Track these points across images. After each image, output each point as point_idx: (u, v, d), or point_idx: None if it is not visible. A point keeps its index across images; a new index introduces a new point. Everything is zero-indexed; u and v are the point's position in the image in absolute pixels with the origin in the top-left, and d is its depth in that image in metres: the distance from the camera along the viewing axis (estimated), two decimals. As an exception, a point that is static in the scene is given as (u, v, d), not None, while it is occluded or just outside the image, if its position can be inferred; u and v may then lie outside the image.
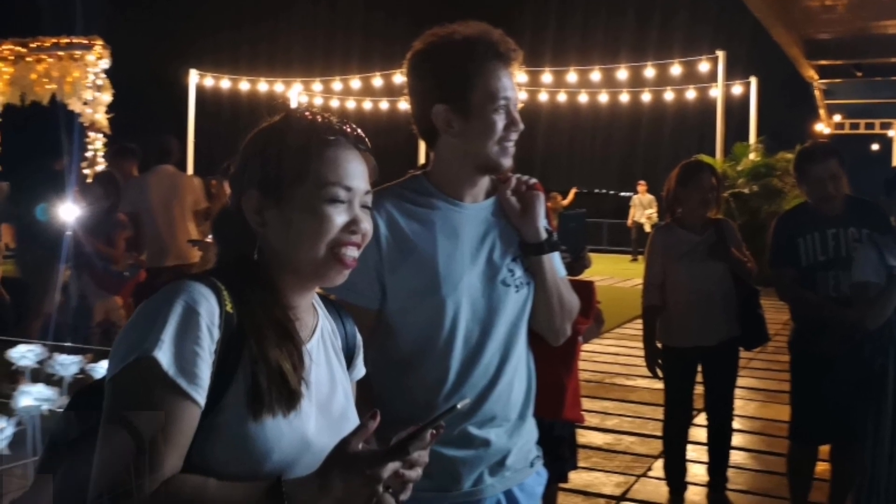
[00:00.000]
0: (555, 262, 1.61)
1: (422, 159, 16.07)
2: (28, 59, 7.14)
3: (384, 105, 17.30)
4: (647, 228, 14.00)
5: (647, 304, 3.51)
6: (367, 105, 17.62)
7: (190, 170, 14.27)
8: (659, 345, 3.49)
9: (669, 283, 3.43)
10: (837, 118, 15.04)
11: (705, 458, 3.97)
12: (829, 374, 2.86)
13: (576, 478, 3.65)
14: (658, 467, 3.91)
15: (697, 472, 3.85)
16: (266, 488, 0.92)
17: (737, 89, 14.20)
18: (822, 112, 14.30)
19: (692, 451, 3.68)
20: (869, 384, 2.68)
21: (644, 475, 3.99)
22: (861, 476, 2.68)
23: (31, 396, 1.71)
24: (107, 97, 6.87)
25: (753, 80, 14.22)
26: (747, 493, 3.70)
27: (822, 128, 14.71)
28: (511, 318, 1.55)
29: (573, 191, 14.54)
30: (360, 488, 0.92)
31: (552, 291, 1.57)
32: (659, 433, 3.88)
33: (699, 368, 3.48)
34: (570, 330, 1.65)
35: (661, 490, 3.63)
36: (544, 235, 1.55)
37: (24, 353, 1.97)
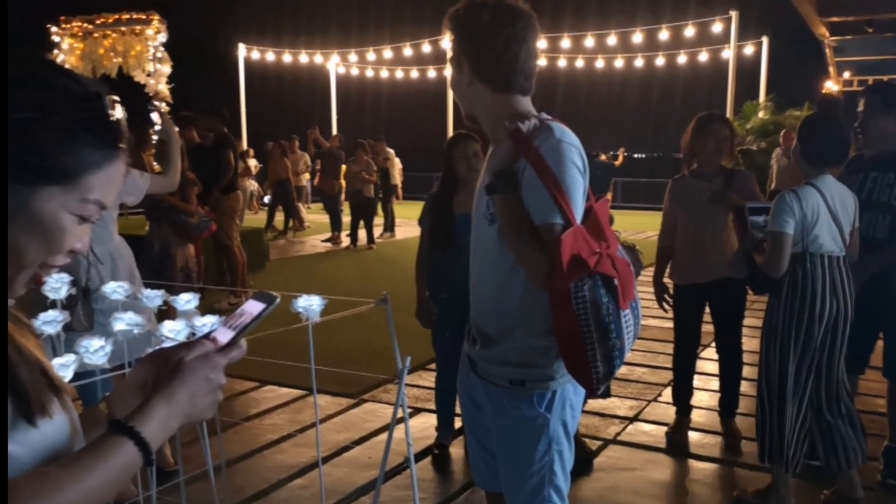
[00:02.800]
0: (510, 207, 1.55)
1: (450, 123, 16.06)
2: (95, 35, 7.26)
3: (415, 74, 17.21)
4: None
5: (659, 246, 3.60)
6: (399, 74, 17.54)
7: (243, 137, 14.45)
8: (670, 283, 3.56)
9: (678, 226, 3.49)
10: (846, 75, 14.54)
11: (709, 386, 4.07)
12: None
13: (593, 402, 3.78)
14: (667, 394, 4.01)
15: (702, 398, 3.94)
16: (110, 435, 0.77)
17: (748, 49, 13.80)
18: (831, 70, 13.84)
19: (697, 381, 3.77)
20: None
21: (654, 400, 4.11)
22: None
23: (124, 322, 1.86)
24: (166, 69, 6.98)
25: (765, 40, 13.81)
26: (748, 416, 3.78)
27: (831, 85, 14.25)
28: (486, 245, 1.67)
29: (622, 153, 14.85)
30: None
31: (504, 231, 1.58)
32: (668, 365, 3.96)
33: (707, 305, 3.55)
34: (539, 280, 1.53)
35: (669, 412, 3.73)
36: (491, 178, 1.59)
37: (115, 289, 2.12)
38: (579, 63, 15.60)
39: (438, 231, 3.23)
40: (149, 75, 6.90)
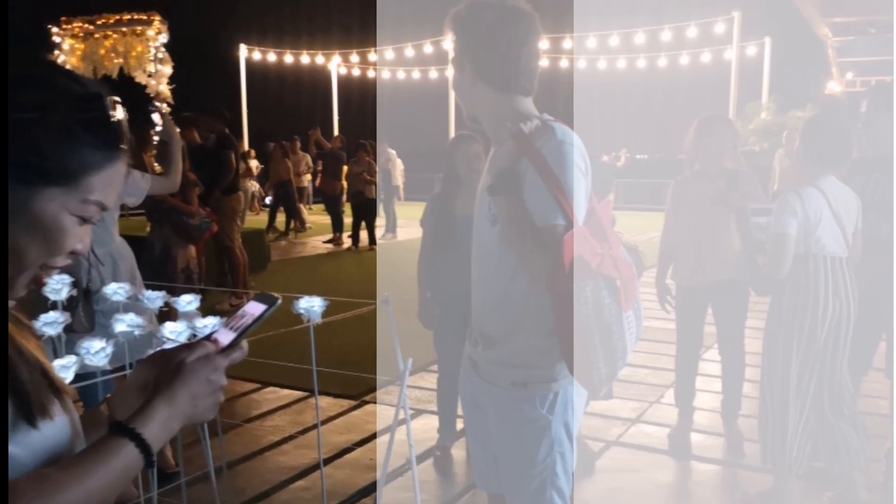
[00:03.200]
0: (512, 208, 1.55)
1: (452, 124, 16.04)
2: (96, 35, 7.27)
3: (416, 75, 17.22)
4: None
5: (662, 248, 3.60)
6: (401, 75, 17.55)
7: (244, 137, 14.47)
8: (672, 284, 3.56)
9: (680, 227, 3.49)
10: (849, 76, 14.55)
11: (712, 388, 4.06)
12: None
13: (595, 404, 3.78)
14: (669, 396, 4.01)
15: (704, 399, 3.93)
16: (111, 437, 0.77)
17: (751, 50, 13.78)
18: (834, 70, 13.84)
19: (700, 382, 3.76)
20: None
21: (657, 402, 4.11)
22: None
23: (125, 323, 1.87)
24: (168, 69, 6.99)
25: (767, 41, 13.80)
26: (750, 418, 3.77)
27: (833, 86, 14.24)
28: (487, 246, 1.67)
29: (624, 153, 14.68)
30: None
31: (506, 233, 1.58)
32: (670, 367, 3.95)
33: (709, 307, 3.54)
34: (541, 281, 1.54)
35: (672, 414, 3.73)
36: (493, 179, 1.59)
37: (116, 290, 2.12)
38: (581, 64, 15.58)
39: (440, 232, 3.23)
40: (150, 76, 6.91)
